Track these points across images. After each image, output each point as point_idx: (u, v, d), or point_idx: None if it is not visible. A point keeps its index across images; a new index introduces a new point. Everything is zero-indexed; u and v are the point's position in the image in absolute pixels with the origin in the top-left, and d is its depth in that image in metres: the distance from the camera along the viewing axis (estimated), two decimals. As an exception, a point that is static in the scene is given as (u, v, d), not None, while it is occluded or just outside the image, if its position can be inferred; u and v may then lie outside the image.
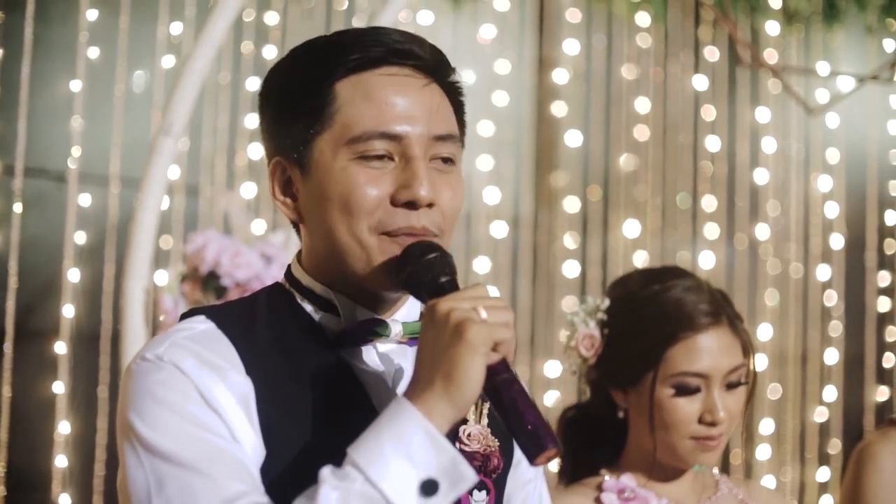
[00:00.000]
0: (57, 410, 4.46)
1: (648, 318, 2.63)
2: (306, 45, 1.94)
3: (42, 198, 4.76)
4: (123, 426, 1.81)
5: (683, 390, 2.59)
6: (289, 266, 2.00)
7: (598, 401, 2.77)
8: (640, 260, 5.93)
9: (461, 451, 1.90)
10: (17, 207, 4.41)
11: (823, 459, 6.12)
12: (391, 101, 1.85)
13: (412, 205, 1.83)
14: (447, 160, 1.89)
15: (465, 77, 5.59)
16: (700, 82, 6.10)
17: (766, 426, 5.99)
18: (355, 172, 1.83)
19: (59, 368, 4.47)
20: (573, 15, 5.92)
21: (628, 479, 2.68)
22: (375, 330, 1.89)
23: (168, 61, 4.77)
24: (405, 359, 1.94)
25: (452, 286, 1.81)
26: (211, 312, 1.91)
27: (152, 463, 1.75)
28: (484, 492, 1.93)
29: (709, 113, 6.12)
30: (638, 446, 2.70)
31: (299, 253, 1.99)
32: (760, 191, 6.20)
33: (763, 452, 5.96)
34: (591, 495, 2.69)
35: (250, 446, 1.79)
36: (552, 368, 5.65)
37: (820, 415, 6.14)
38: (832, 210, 6.23)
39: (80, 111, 4.53)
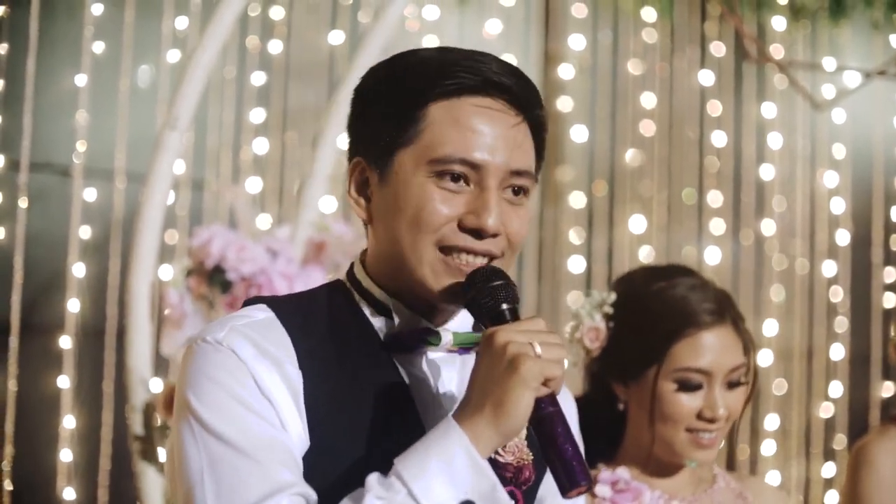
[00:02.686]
0: (62, 405, 4.47)
1: (654, 313, 2.67)
2: (409, 57, 2.00)
3: (47, 192, 4.76)
4: (181, 404, 1.89)
5: (686, 386, 2.62)
6: (351, 265, 2.06)
7: (598, 393, 2.80)
8: (646, 255, 5.92)
9: (495, 461, 1.95)
10: (23, 202, 4.42)
11: (829, 455, 6.11)
12: (478, 130, 1.91)
13: (478, 234, 1.90)
14: (519, 192, 1.95)
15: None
16: (706, 78, 6.09)
17: (772, 422, 5.98)
18: (431, 190, 1.90)
19: (64, 363, 4.47)
20: (579, 10, 5.92)
21: (623, 472, 2.71)
22: (427, 338, 1.95)
23: (173, 56, 4.77)
24: (452, 367, 2.01)
25: (513, 315, 1.89)
26: (273, 302, 1.98)
27: (207, 442, 1.84)
28: (513, 502, 1.97)
29: (715, 108, 6.12)
30: (635, 440, 2.72)
31: (364, 253, 2.05)
32: (766, 186, 6.19)
33: (768, 448, 5.95)
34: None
35: (297, 437, 1.86)
36: (557, 363, 5.63)
37: (825, 410, 6.14)
38: (838, 206, 6.22)
39: (86, 106, 4.54)
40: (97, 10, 4.61)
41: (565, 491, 1.81)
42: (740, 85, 6.18)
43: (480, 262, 1.92)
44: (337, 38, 5.28)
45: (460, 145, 1.90)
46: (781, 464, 6.00)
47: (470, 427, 1.79)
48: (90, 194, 4.65)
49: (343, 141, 4.80)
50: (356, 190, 2.00)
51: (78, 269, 4.50)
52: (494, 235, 1.92)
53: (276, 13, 5.25)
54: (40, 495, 4.55)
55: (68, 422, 4.45)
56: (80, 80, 4.56)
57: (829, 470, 6.10)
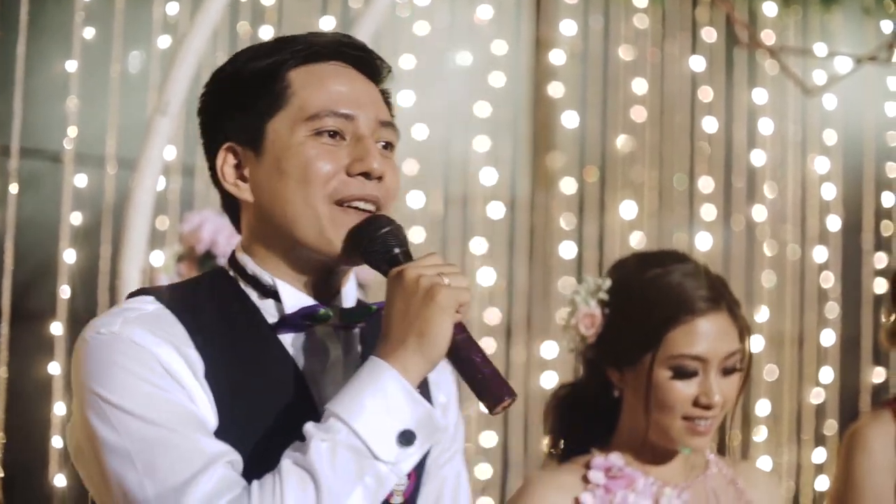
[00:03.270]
0: (53, 391, 4.46)
1: (649, 300, 2.66)
2: (253, 46, 2.11)
3: (38, 178, 4.75)
4: (87, 398, 1.87)
5: (681, 373, 2.62)
6: (233, 252, 2.07)
7: (593, 380, 2.79)
8: (637, 241, 5.93)
9: None
10: (13, 188, 4.41)
11: (820, 441, 6.13)
12: (342, 87, 2.00)
13: (367, 175, 1.96)
14: (388, 145, 2.03)
15: (462, 58, 5.62)
16: (697, 63, 6.09)
17: (763, 407, 5.99)
18: (311, 146, 1.96)
19: (55, 349, 4.47)
20: (570, -5, 5.91)
21: (617, 458, 2.71)
22: (314, 316, 1.99)
23: (164, 42, 4.76)
24: (337, 341, 2.04)
25: (407, 257, 1.95)
26: (158, 294, 1.99)
27: (128, 426, 1.84)
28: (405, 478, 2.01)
29: (706, 94, 6.12)
30: (629, 426, 2.72)
31: (241, 241, 2.07)
32: (757, 172, 6.19)
33: (759, 433, 5.97)
34: (580, 473, 2.71)
35: (207, 415, 1.89)
36: (549, 349, 5.65)
37: (816, 396, 6.15)
38: (829, 192, 6.23)
39: (76, 91, 4.53)
40: (88, -6, 4.61)
41: (492, 408, 1.89)
42: (731, 71, 6.18)
43: (371, 208, 1.97)
44: (328, 23, 5.27)
45: (329, 100, 1.98)
46: (773, 449, 6.01)
47: (397, 360, 1.85)
48: (81, 180, 4.64)
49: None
50: (233, 176, 2.03)
51: (69, 256, 4.49)
52: (380, 178, 1.98)
53: (267, -1, 5.24)
54: (32, 481, 4.54)
55: (59, 408, 4.45)
56: (71, 65, 4.55)
57: (819, 455, 6.12)
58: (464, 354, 1.90)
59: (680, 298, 2.63)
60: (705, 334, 2.62)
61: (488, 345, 5.71)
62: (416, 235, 5.54)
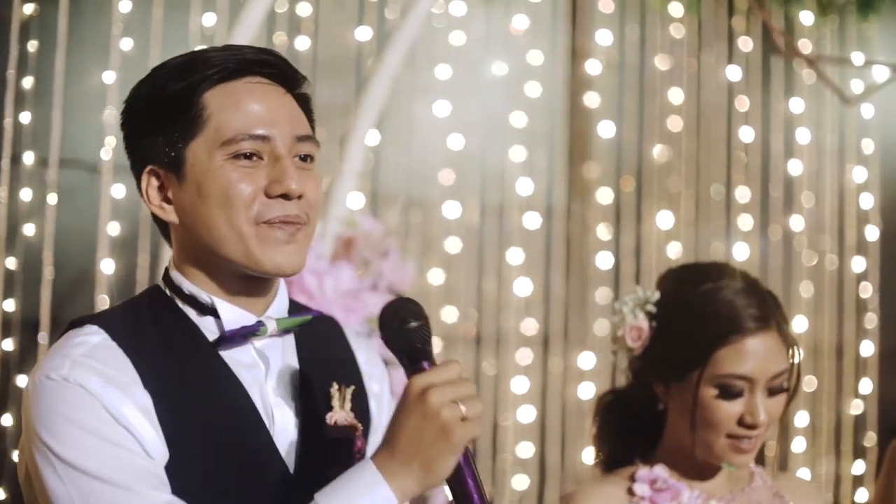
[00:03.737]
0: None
1: (699, 316, 2.64)
2: (166, 64, 2.09)
3: (76, 189, 4.77)
4: (37, 444, 1.93)
5: (727, 392, 2.60)
6: (166, 270, 2.13)
7: (638, 391, 2.78)
8: (674, 251, 5.91)
9: (329, 438, 2.11)
10: (52, 199, 4.44)
11: (859, 452, 6.09)
12: (256, 106, 2.04)
13: (286, 196, 2.01)
14: (306, 157, 2.09)
15: (498, 68, 5.63)
16: (734, 73, 6.07)
17: (802, 419, 5.96)
18: (230, 170, 2.00)
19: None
20: (606, 5, 5.90)
21: (661, 471, 2.69)
22: (254, 331, 2.06)
23: (201, 53, 4.77)
24: (276, 349, 2.12)
25: (428, 356, 1.96)
26: (101, 322, 2.05)
27: (74, 479, 1.90)
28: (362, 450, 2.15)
29: (743, 103, 6.10)
30: (674, 440, 2.70)
31: (174, 258, 2.12)
32: (795, 182, 6.17)
33: (798, 445, 5.94)
34: (624, 485, 2.70)
35: (159, 455, 1.94)
36: (586, 360, 5.63)
37: (855, 407, 6.11)
38: (867, 201, 6.20)
39: (114, 103, 4.55)
40: (125, 7, 4.63)
41: None
42: (768, 80, 6.16)
43: (293, 229, 2.02)
44: (364, 34, 5.28)
45: (244, 122, 2.02)
46: (811, 461, 5.98)
47: (396, 482, 1.90)
48: (118, 191, 4.66)
49: (372, 138, 4.81)
50: (157, 198, 2.07)
51: (107, 266, 4.51)
52: (299, 197, 2.03)
53: (304, 9, 5.25)
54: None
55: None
56: (109, 77, 4.58)
57: (858, 467, 6.08)
58: (460, 478, 1.95)
59: (730, 316, 2.61)
60: (753, 354, 2.59)
61: (525, 355, 5.70)
62: (452, 246, 5.54)
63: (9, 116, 4.51)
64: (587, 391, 5.67)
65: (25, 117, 4.62)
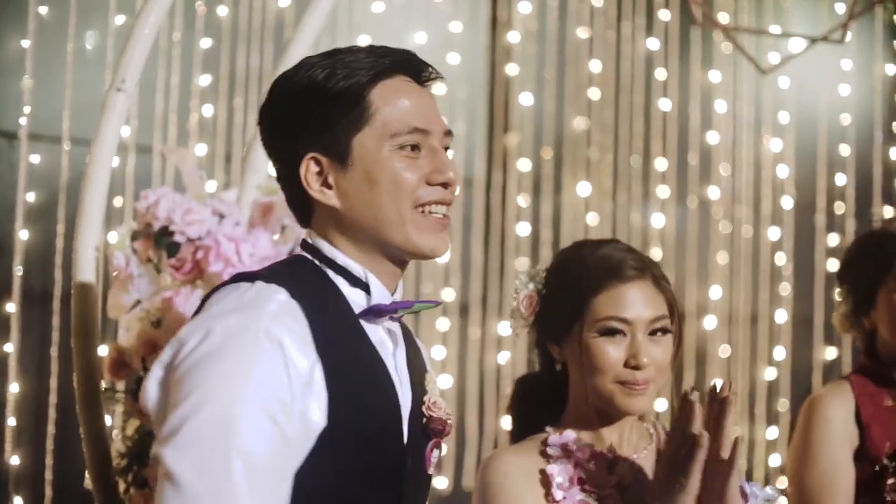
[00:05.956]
0: (8, 370, 4.44)
1: (578, 272, 2.76)
2: (318, 63, 2.29)
3: (-7, 156, 4.72)
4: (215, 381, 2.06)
5: (608, 334, 2.69)
6: (305, 242, 2.33)
7: (541, 358, 2.90)
8: (592, 220, 5.96)
9: (430, 416, 2.33)
10: (-32, 166, 4.39)
11: (772, 418, 6.19)
12: (414, 103, 2.28)
13: (445, 185, 2.27)
14: (447, 149, 2.33)
15: (419, 37, 5.61)
16: (653, 43, 6.12)
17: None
18: (397, 160, 2.24)
19: (10, 328, 4.45)
20: (526, -25, 5.92)
21: (570, 433, 2.76)
22: (402, 307, 2.29)
23: (119, 19, 4.73)
24: (397, 331, 2.34)
25: None
26: (285, 282, 2.19)
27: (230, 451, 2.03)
28: (437, 451, 2.37)
29: (661, 74, 6.15)
30: (576, 399, 2.79)
31: (318, 234, 2.31)
32: (712, 152, 6.24)
33: (712, 411, 6.00)
34: (536, 450, 2.77)
35: (319, 417, 2.10)
36: (504, 327, 5.68)
37: (769, 374, 6.21)
38: (783, 171, 6.28)
39: (31, 70, 4.50)
40: (41, -28, 4.58)
41: None
42: (686, 51, 6.21)
43: (444, 210, 2.28)
44: (284, 1, 5.27)
45: (408, 117, 2.25)
46: (725, 426, 6.05)
47: None
48: (36, 158, 4.61)
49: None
50: (317, 183, 2.26)
51: (23, 234, 4.47)
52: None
53: (223, -23, 5.22)
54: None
55: (14, 387, 4.43)
56: (25, 43, 4.53)
57: (772, 432, 6.18)
58: None
59: (606, 267, 2.72)
60: (630, 299, 2.70)
61: (444, 323, 5.74)
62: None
63: (-77, 83, 4.46)
64: (505, 358, 5.72)
65: (-60, 84, 4.58)
